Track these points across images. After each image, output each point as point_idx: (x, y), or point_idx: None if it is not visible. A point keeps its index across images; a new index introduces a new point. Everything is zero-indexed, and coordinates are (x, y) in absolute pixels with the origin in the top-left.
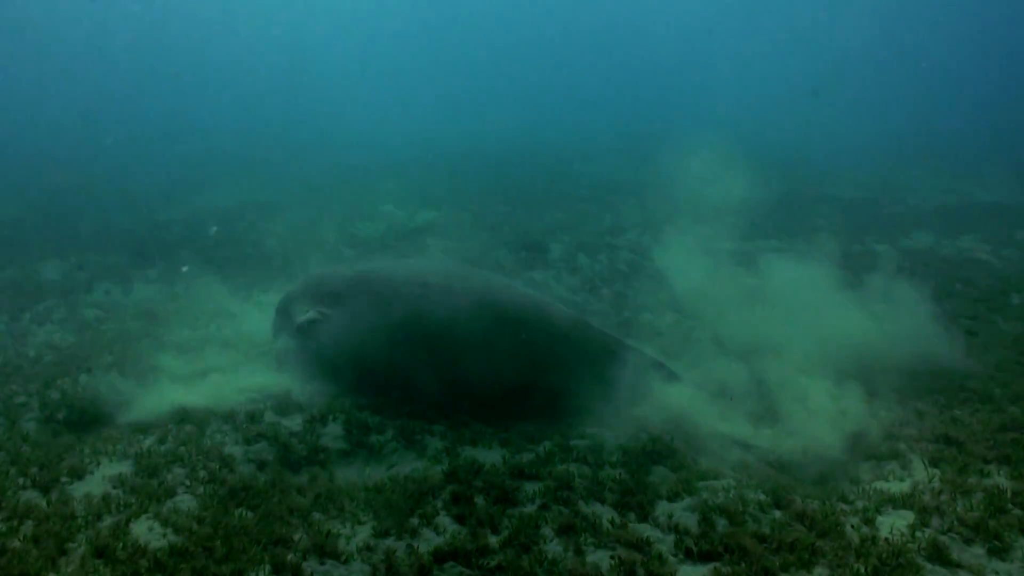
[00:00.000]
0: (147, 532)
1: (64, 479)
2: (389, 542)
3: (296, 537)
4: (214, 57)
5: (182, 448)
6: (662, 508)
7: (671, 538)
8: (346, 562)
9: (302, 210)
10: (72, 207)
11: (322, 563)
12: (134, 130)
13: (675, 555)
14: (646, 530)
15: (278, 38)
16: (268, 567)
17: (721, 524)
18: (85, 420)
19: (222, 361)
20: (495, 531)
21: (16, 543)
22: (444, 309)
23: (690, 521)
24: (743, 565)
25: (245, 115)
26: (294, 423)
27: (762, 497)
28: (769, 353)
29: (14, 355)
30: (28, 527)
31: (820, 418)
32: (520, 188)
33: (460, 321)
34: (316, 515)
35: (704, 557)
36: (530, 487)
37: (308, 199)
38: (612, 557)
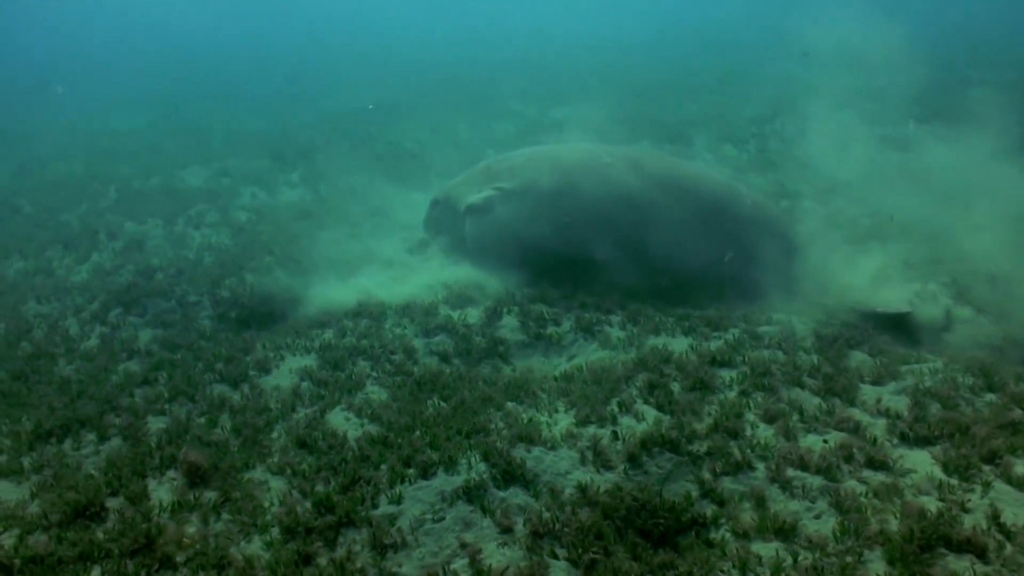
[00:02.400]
0: (343, 423)
1: (252, 373)
2: (592, 429)
3: (494, 426)
4: None
5: (364, 341)
6: (867, 393)
7: (882, 422)
8: (553, 448)
9: (431, 111)
10: (200, 114)
11: (529, 450)
12: (254, 35)
13: (889, 439)
14: (855, 414)
15: None
16: (478, 454)
17: (933, 408)
18: (256, 317)
19: (385, 256)
20: (698, 417)
21: (217, 435)
22: (631, 183)
23: (900, 405)
24: (967, 448)
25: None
26: (469, 316)
27: (972, 380)
28: (952, 238)
29: (176, 257)
30: (225, 420)
31: (1018, 302)
32: (647, 82)
33: (647, 196)
34: (510, 404)
35: (921, 441)
36: (725, 374)
37: (434, 99)
38: (825, 441)
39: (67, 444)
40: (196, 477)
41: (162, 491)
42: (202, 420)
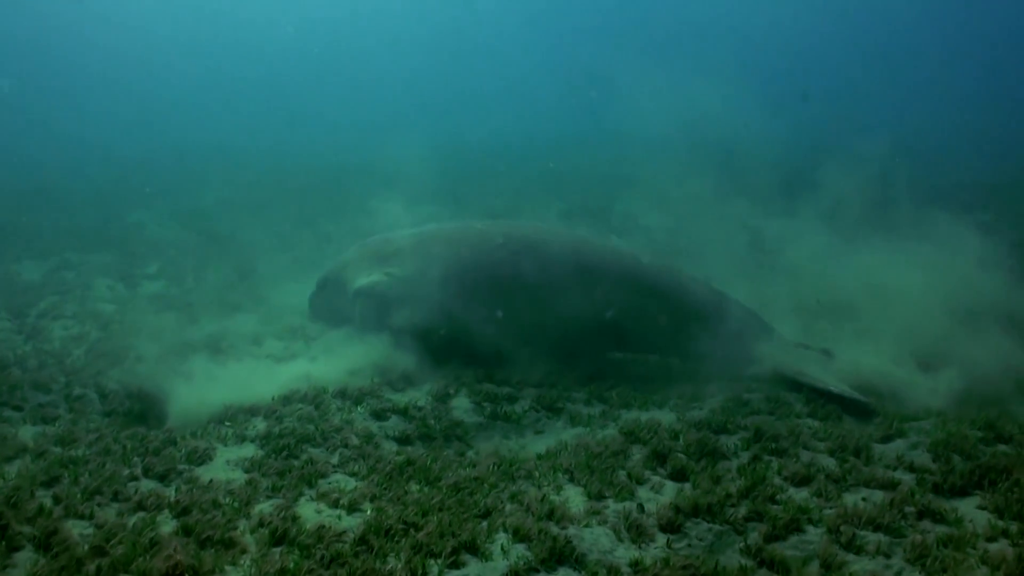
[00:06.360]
0: (316, 515)
1: (182, 467)
2: (612, 504)
3: (506, 507)
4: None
5: (310, 426)
6: (882, 451)
7: (910, 477)
8: (586, 526)
9: (287, 209)
10: (15, 210)
11: (562, 527)
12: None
13: (922, 493)
14: (880, 472)
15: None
16: (506, 535)
17: (956, 460)
18: (154, 411)
19: (285, 347)
20: (721, 484)
21: (165, 535)
22: (523, 263)
23: (923, 459)
24: (1008, 494)
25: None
26: (415, 397)
27: (979, 432)
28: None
29: (35, 351)
30: (167, 518)
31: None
32: (506, 183)
33: (543, 274)
34: (503, 485)
35: (958, 492)
36: (727, 440)
37: (288, 199)
38: (863, 499)
39: None
40: None
41: None
42: (134, 520)
